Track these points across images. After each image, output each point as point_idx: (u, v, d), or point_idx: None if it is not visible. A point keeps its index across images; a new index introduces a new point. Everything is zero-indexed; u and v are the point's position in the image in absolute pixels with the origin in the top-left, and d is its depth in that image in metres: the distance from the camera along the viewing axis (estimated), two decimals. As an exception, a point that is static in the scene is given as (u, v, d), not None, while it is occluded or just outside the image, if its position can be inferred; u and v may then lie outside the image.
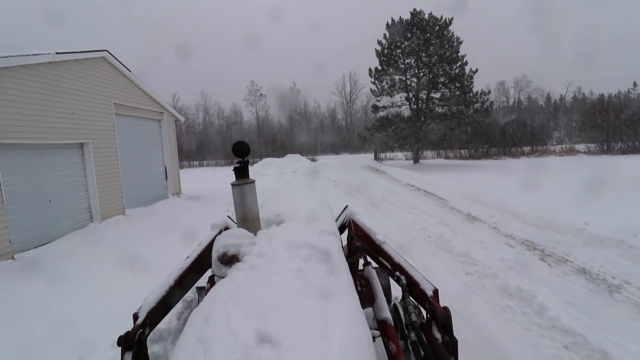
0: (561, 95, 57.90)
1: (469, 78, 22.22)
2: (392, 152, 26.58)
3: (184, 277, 1.97)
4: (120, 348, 1.54)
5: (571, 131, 44.41)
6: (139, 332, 1.56)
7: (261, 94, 55.13)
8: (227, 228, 2.44)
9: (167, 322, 3.09)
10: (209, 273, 1.91)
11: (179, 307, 3.17)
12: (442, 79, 22.19)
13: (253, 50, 76.13)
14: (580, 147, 31.70)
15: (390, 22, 23.97)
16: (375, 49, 24.48)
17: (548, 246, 5.49)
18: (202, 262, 2.10)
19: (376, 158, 29.10)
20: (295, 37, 75.00)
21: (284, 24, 77.39)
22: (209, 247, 2.00)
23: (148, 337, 1.63)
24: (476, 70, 21.74)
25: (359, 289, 2.34)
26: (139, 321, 1.62)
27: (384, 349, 1.58)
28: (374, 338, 1.87)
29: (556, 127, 43.25)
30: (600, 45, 58.59)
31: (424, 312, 1.87)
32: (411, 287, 1.86)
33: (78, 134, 7.83)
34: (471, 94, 22.15)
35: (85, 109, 8.06)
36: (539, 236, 5.92)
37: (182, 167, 33.27)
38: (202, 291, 2.83)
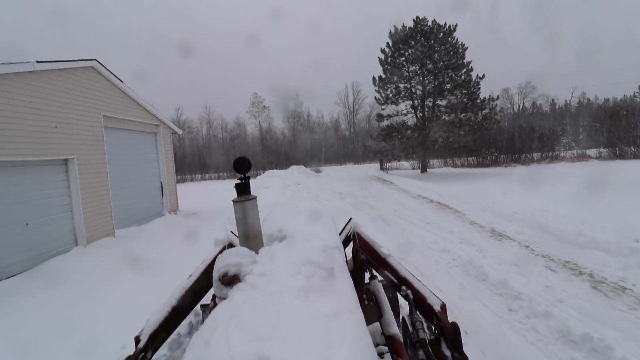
0: (566, 100, 57.07)
1: (475, 84, 21.58)
2: (399, 161, 25.82)
3: (187, 296, 1.86)
4: None
5: (578, 136, 43.53)
6: (140, 355, 1.49)
7: (264, 106, 54.95)
8: (230, 244, 2.39)
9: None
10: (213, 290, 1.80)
11: (183, 327, 2.96)
12: (447, 86, 21.56)
13: (256, 61, 76.51)
14: (591, 152, 30.84)
15: (393, 30, 23.55)
16: (379, 57, 24.02)
17: (596, 269, 4.68)
18: (205, 279, 1.99)
19: (382, 168, 28.31)
20: (298, 47, 75.36)
21: (286, 35, 77.80)
22: (212, 264, 1.89)
23: None
24: (483, 76, 21.12)
25: (366, 302, 2.30)
26: (141, 344, 1.53)
27: None
28: (382, 354, 1.87)
29: (563, 133, 42.38)
30: (603, 49, 58.00)
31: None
32: (418, 301, 1.75)
33: (62, 150, 7.19)
34: (478, 100, 21.47)
35: (70, 122, 7.45)
36: (582, 257, 5.11)
37: (184, 180, 32.64)
38: (206, 309, 2.70)
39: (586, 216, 6.75)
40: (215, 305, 1.55)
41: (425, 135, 22.66)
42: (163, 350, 2.59)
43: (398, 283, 1.91)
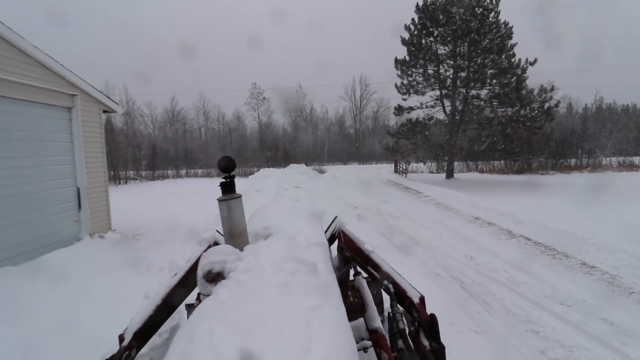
0: (585, 104, 52.53)
1: (521, 72, 17.35)
2: (424, 163, 21.60)
3: (172, 295, 1.83)
4: None
5: (596, 142, 39.44)
6: (125, 354, 1.48)
7: (264, 97, 50.70)
8: (215, 242, 2.36)
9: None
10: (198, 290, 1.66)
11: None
12: (490, 72, 17.28)
13: (257, 53, 72.12)
14: (635, 160, 26.80)
15: (421, 4, 19.28)
16: (401, 36, 19.74)
17: None
18: (190, 278, 1.96)
19: (397, 170, 24.11)
20: (302, 39, 70.98)
21: (290, 26, 73.37)
22: (197, 263, 1.76)
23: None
24: (534, 61, 16.84)
25: (351, 299, 2.34)
26: (125, 343, 1.52)
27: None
28: (366, 349, 2.03)
29: (586, 138, 38.17)
30: (621, 50, 53.61)
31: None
32: (399, 295, 1.79)
33: None
34: (524, 92, 17.23)
35: None
36: None
37: (163, 177, 28.04)
38: (191, 308, 2.44)
39: None
40: (200, 303, 1.44)
41: (456, 133, 18.46)
42: (146, 348, 2.12)
43: (380, 278, 1.95)
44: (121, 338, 1.54)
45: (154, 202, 12.84)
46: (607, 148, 33.11)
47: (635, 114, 46.38)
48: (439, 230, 7.17)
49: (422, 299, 1.66)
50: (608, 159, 27.35)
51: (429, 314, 1.58)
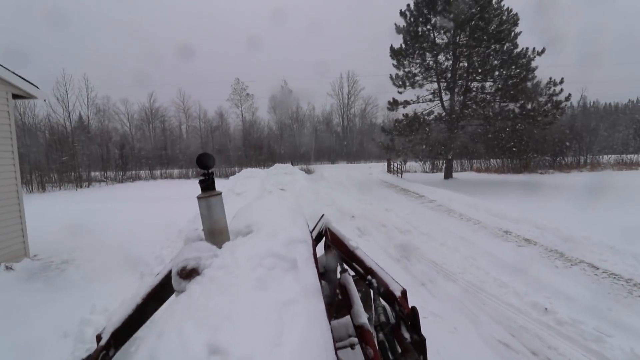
0: (571, 102, 52.10)
1: (527, 62, 15.93)
2: (423, 163, 20.03)
3: (153, 295, 1.74)
4: None
5: (595, 140, 39.00)
6: (102, 353, 1.45)
7: (247, 94, 48.41)
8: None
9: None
10: None
11: None
12: (494, 62, 15.79)
13: (242, 49, 69.53)
14: (634, 157, 26.02)
15: (416, -14, 17.63)
16: (396, 23, 18.07)
17: None
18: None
19: (390, 170, 22.48)
20: (289, 34, 68.80)
21: (276, 20, 71.11)
22: None
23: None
24: (542, 51, 15.42)
25: (339, 297, 2.30)
26: (102, 342, 1.50)
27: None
28: (353, 345, 1.99)
29: (581, 136, 37.56)
30: (606, 50, 53.54)
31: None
32: (381, 289, 1.83)
33: None
34: (530, 84, 15.82)
35: None
36: None
37: (133, 179, 25.30)
38: None
39: None
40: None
41: (455, 129, 16.91)
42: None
43: (364, 273, 2.01)
44: (98, 338, 1.51)
45: (110, 210, 10.72)
46: (594, 146, 32.45)
47: (617, 112, 46.24)
48: (469, 254, 5.43)
49: (403, 292, 1.67)
50: (606, 157, 26.53)
51: (410, 307, 1.59)
